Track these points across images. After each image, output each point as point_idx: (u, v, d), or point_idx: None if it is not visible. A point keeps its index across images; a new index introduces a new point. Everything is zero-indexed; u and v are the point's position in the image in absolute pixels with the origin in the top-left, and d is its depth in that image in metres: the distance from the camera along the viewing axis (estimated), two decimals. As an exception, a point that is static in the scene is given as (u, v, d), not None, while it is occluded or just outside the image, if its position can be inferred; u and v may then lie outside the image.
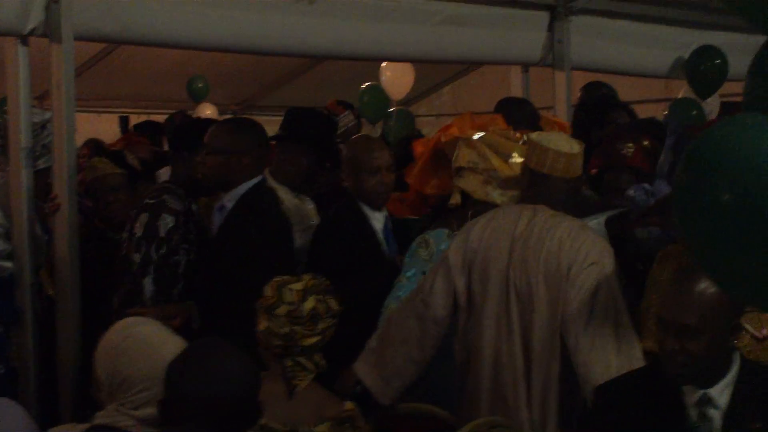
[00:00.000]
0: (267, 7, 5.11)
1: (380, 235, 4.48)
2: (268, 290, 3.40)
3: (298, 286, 3.39)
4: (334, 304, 3.43)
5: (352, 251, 4.38)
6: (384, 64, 7.76)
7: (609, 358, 3.40)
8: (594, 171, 4.15)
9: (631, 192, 4.32)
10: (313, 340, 3.38)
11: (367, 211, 4.47)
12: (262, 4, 5.11)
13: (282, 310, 3.36)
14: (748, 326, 3.32)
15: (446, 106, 11.20)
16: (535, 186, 3.74)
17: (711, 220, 2.16)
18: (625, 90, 8.07)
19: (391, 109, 8.36)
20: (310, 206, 4.85)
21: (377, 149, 4.50)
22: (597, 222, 4.08)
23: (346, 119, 5.91)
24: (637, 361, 3.39)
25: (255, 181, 4.27)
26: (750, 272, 2.18)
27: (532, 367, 3.56)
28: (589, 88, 5.65)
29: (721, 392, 3.00)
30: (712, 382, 3.00)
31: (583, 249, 3.52)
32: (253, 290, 3.46)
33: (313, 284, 3.42)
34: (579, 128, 4.86)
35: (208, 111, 9.50)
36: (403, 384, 3.79)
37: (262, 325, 3.38)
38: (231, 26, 5.07)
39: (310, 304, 3.38)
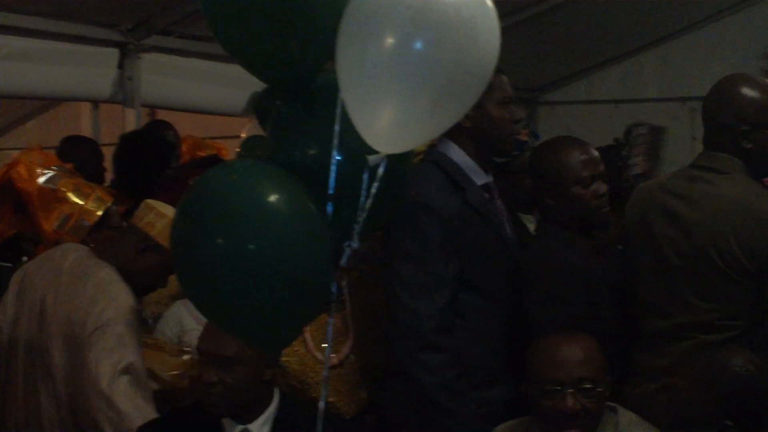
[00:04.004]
0: None
1: None
2: None
3: None
4: None
5: None
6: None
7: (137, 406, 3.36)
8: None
9: None
10: None
11: None
12: None
13: None
14: (318, 355, 3.43)
15: (33, 140, 10.82)
16: (112, 236, 3.72)
17: (204, 263, 2.24)
18: (214, 126, 8.19)
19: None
20: None
21: None
22: None
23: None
24: (152, 413, 3.33)
25: None
26: (241, 311, 2.29)
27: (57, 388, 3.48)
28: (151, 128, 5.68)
29: (260, 427, 3.10)
30: (251, 417, 3.09)
31: (100, 304, 3.41)
32: None
33: None
34: (126, 167, 4.86)
35: None
36: None
37: None
38: None
39: None
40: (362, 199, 2.37)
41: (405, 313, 3.23)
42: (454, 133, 3.32)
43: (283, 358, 3.33)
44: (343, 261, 2.40)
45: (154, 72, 6.06)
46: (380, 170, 2.36)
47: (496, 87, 3.33)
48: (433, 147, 3.46)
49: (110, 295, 3.44)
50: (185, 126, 7.25)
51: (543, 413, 2.96)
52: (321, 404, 2.35)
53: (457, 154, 3.39)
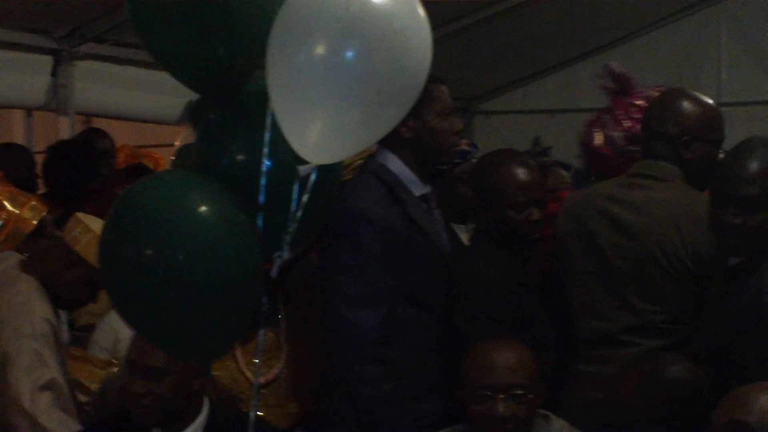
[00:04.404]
0: None
1: None
2: None
3: None
4: None
5: None
6: None
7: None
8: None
9: None
10: None
11: None
12: None
13: None
14: (248, 373, 3.40)
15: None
16: (45, 246, 3.67)
17: (133, 274, 2.22)
18: (153, 134, 8.10)
19: None
20: None
21: None
22: None
23: None
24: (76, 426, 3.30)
25: None
26: (171, 323, 2.27)
27: None
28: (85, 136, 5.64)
29: None
30: (180, 427, 3.06)
31: (17, 320, 3.35)
32: None
33: None
34: (54, 176, 4.82)
35: None
36: None
37: None
38: None
39: None
40: (293, 209, 2.36)
41: (344, 326, 3.20)
42: (394, 144, 3.30)
43: (214, 372, 3.28)
44: (274, 272, 2.39)
45: (88, 79, 6.00)
46: (311, 180, 2.35)
47: (437, 98, 3.32)
48: (371, 157, 3.44)
49: (26, 309, 3.39)
50: (123, 134, 7.18)
51: (475, 418, 2.98)
52: (251, 414, 2.34)
53: (395, 164, 3.37)
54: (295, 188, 2.36)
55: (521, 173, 3.37)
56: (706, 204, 3.25)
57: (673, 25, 7.85)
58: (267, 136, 2.37)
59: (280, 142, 2.36)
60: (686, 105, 3.41)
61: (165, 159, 6.51)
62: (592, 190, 3.70)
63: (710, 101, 3.47)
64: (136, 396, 2.97)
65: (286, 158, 2.36)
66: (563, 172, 4.75)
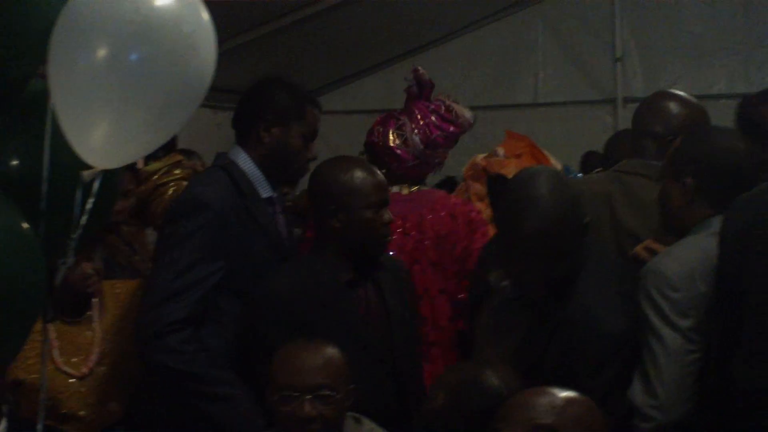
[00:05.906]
0: None
1: None
2: None
3: None
4: None
5: None
6: None
7: None
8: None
9: None
10: None
11: None
12: None
13: None
14: (68, 369, 3.37)
15: None
16: None
17: None
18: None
19: None
20: None
21: None
22: None
23: None
24: None
25: None
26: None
27: None
28: None
29: None
30: None
31: None
32: None
33: None
34: None
35: None
36: None
37: None
38: None
39: None
40: (77, 215, 2.31)
41: (156, 303, 3.18)
42: (249, 144, 3.39)
43: (31, 376, 3.24)
44: (58, 279, 2.34)
45: None
46: (96, 185, 2.31)
47: (308, 119, 3.41)
48: (223, 153, 3.47)
49: None
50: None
51: (281, 419, 2.97)
52: (39, 427, 2.29)
53: (246, 162, 3.40)
54: (79, 194, 2.31)
55: (369, 174, 3.34)
56: None
57: (491, 26, 8.00)
58: (47, 141, 2.30)
59: (62, 147, 2.30)
60: (673, 106, 3.51)
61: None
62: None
63: (697, 103, 3.56)
64: None
65: (69, 163, 2.30)
66: None
